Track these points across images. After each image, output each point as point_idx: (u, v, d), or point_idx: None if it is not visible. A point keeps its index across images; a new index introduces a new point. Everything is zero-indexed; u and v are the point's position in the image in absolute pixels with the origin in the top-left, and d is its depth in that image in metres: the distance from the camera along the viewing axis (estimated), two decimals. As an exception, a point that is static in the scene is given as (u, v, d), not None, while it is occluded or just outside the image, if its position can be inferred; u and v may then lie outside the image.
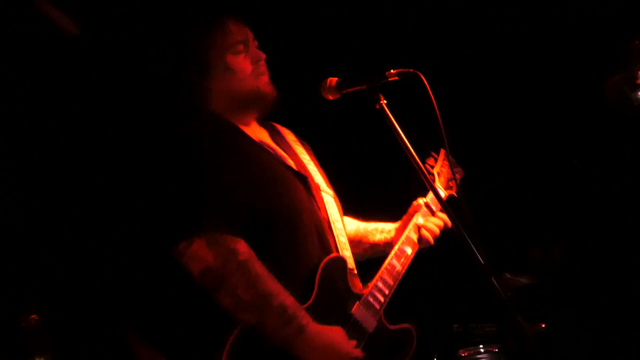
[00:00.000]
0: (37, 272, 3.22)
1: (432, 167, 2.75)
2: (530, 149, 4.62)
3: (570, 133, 4.52)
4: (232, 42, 2.33)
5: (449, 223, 2.46)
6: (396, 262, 2.36)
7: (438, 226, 2.51)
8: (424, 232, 2.47)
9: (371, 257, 2.61)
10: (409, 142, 2.11)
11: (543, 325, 3.92)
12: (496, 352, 3.93)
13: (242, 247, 2.02)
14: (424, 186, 2.14)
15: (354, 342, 2.12)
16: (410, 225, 2.48)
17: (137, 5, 3.35)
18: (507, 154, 4.60)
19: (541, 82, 4.44)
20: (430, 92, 2.15)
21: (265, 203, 2.13)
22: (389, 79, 2.21)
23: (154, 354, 3.09)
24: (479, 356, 3.94)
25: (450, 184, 2.77)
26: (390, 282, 2.31)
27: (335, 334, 2.07)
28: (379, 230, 2.63)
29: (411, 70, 2.19)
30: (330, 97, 2.38)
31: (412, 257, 2.43)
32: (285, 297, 2.00)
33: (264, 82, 2.38)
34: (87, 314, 3.26)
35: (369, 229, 2.66)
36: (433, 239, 2.48)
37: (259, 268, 2.01)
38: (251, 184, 2.13)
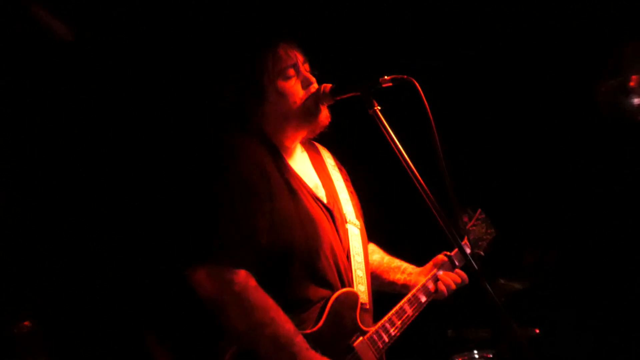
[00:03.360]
0: (30, 278, 3.21)
1: (466, 223, 2.84)
2: (524, 153, 4.62)
3: (565, 138, 4.52)
4: (283, 67, 2.37)
5: (467, 280, 2.61)
6: (408, 307, 2.44)
7: (455, 282, 2.61)
8: (441, 284, 2.57)
9: (385, 292, 2.67)
10: (404, 148, 2.11)
11: (537, 330, 3.92)
12: (490, 357, 3.93)
13: (239, 277, 2.08)
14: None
15: None
16: (430, 276, 2.58)
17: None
18: (500, 159, 4.60)
19: (534, 86, 4.44)
20: (424, 98, 2.16)
21: (285, 236, 2.19)
22: (383, 85, 2.21)
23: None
24: (473, 361, 3.94)
25: (480, 243, 2.92)
26: (399, 324, 2.38)
27: None
28: (401, 270, 2.69)
29: (405, 76, 2.20)
30: (325, 103, 2.39)
31: (424, 305, 2.52)
32: (277, 327, 2.06)
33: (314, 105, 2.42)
34: (80, 321, 3.25)
35: (392, 265, 2.72)
36: (448, 292, 2.58)
37: (253, 298, 2.07)
38: (276, 217, 2.19)
